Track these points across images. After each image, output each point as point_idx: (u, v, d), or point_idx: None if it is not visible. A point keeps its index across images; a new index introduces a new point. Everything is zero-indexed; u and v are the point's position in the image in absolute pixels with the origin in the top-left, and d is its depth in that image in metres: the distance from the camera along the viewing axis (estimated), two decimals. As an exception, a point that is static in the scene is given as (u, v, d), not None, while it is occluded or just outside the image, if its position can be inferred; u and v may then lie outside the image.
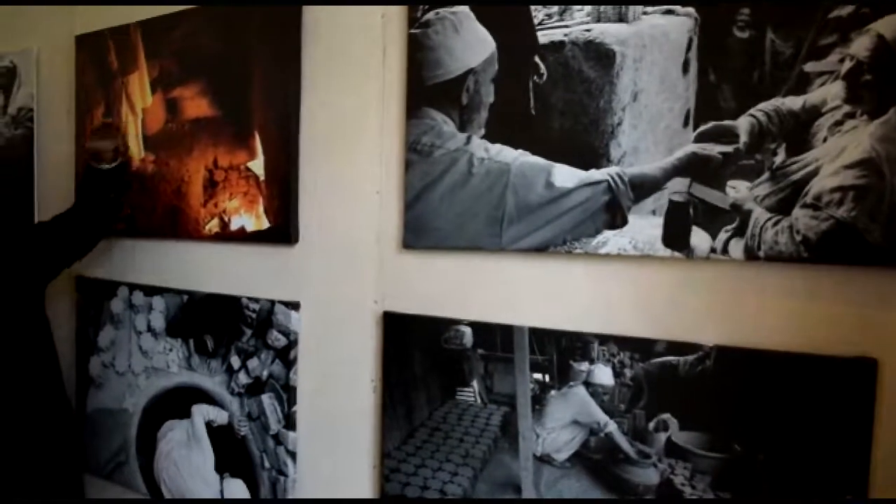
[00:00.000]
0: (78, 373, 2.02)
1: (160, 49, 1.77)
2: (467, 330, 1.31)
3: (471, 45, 1.28)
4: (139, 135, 1.81)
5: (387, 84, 1.40)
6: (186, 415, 1.74)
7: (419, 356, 1.37)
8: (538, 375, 1.24)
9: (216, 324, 1.65)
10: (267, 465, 1.59)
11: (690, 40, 1.09)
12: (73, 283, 2.03)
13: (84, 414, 2.02)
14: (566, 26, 1.19)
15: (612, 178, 1.15)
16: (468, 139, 1.28)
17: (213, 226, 1.64)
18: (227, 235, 1.63)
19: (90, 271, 2.00)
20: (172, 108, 1.74)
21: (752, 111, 1.04)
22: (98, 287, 1.96)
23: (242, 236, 1.60)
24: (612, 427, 1.16)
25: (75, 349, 2.03)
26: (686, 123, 1.09)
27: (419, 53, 1.34)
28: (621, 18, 1.15)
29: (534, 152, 1.22)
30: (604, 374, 1.17)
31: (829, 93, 1.00)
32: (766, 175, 1.04)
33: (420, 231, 1.34)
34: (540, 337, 1.23)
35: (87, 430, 2.02)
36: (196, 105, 1.68)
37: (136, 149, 1.82)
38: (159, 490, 1.84)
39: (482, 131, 1.27)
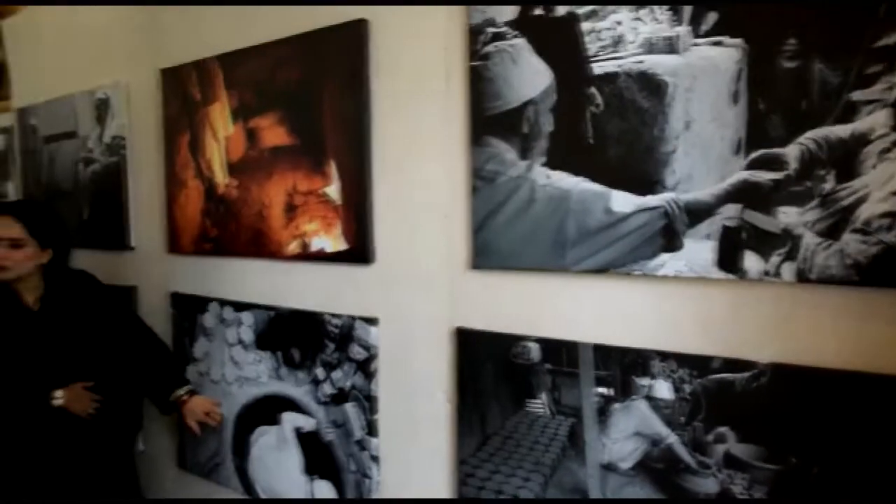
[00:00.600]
0: (176, 381, 2.23)
1: (238, 81, 1.92)
2: (534, 346, 1.41)
3: (529, 76, 1.37)
4: (223, 161, 1.97)
5: (450, 113, 1.50)
6: (276, 421, 1.91)
7: (490, 369, 1.48)
8: (602, 389, 1.33)
9: (301, 338, 1.81)
10: (352, 468, 1.74)
11: (740, 71, 1.15)
12: (169, 299, 2.23)
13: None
14: (619, 58, 1.27)
15: (668, 203, 1.22)
16: (529, 167, 1.37)
17: (294, 247, 1.79)
18: (308, 256, 1.77)
19: (183, 288, 2.19)
20: (252, 136, 1.89)
21: (801, 139, 1.10)
22: (191, 302, 2.15)
23: (322, 256, 1.74)
24: (672, 439, 1.25)
25: (173, 359, 2.24)
26: (737, 151, 1.16)
27: (480, 84, 1.44)
28: (672, 49, 1.22)
29: (592, 179, 1.30)
30: (664, 389, 1.25)
31: (877, 121, 1.05)
32: (815, 201, 1.09)
33: (487, 252, 1.44)
34: (603, 353, 1.32)
35: (188, 434, 2.22)
36: (274, 134, 1.83)
37: (220, 175, 1.98)
38: (253, 489, 2.02)
39: (543, 159, 1.36)
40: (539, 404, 1.42)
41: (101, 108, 2.47)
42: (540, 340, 1.40)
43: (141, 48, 2.30)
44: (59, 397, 1.97)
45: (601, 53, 1.29)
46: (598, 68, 1.29)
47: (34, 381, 1.96)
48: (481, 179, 1.44)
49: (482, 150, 1.44)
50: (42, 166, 2.84)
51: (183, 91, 2.09)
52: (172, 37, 2.16)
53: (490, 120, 1.43)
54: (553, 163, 1.35)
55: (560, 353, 1.38)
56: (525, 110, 1.38)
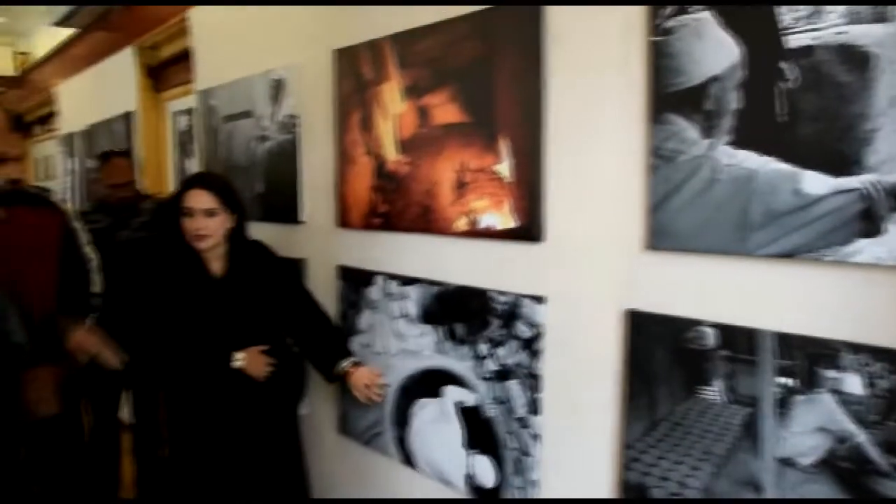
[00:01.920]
0: (341, 350, 2.39)
1: (410, 60, 2.02)
2: (710, 331, 1.40)
3: (714, 51, 1.36)
4: (393, 139, 2.09)
5: (629, 90, 1.51)
6: (438, 395, 2.01)
7: (661, 353, 1.49)
8: (783, 379, 1.31)
9: (466, 313, 1.90)
10: (512, 445, 1.81)
11: (959, 41, 1.10)
12: (337, 272, 2.39)
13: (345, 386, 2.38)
14: (816, 29, 1.23)
15: (869, 186, 1.18)
16: (712, 145, 1.37)
17: (462, 224, 1.88)
18: (476, 233, 1.85)
19: (350, 261, 2.34)
20: (423, 114, 1.98)
21: None
22: (358, 275, 2.30)
23: (491, 234, 1.81)
24: (862, 437, 1.21)
25: (339, 329, 2.40)
26: (953, 130, 1.10)
27: (661, 61, 1.44)
28: (880, 18, 1.17)
29: (782, 159, 1.28)
30: (854, 384, 1.22)
31: None
32: None
33: (664, 233, 1.45)
34: (785, 341, 1.30)
35: (348, 400, 2.38)
36: (445, 111, 1.91)
37: (390, 152, 2.10)
38: (412, 460, 2.14)
39: (727, 138, 1.35)
40: (712, 391, 1.42)
41: (276, 89, 2.67)
42: (716, 326, 1.40)
43: (315, 31, 2.46)
44: (238, 359, 2.18)
45: (797, 25, 1.26)
46: (792, 41, 1.26)
47: (217, 343, 2.17)
48: (660, 158, 1.45)
49: (662, 127, 1.44)
50: (220, 144, 3.11)
51: (355, 70, 2.23)
52: (346, 19, 2.30)
53: (671, 97, 1.43)
54: (738, 142, 1.34)
55: (737, 339, 1.37)
56: (709, 87, 1.37)
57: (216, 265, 2.21)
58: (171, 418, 2.33)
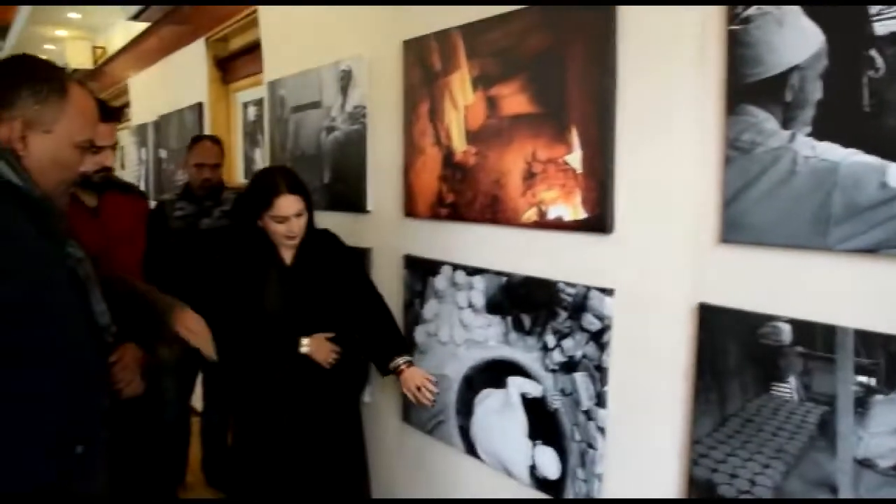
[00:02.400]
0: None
1: (480, 50, 2.03)
2: (785, 326, 1.38)
3: (795, 40, 1.33)
4: (461, 129, 2.10)
5: (705, 81, 1.49)
6: (502, 385, 2.03)
7: (733, 348, 1.47)
8: (863, 378, 1.28)
9: (533, 304, 1.90)
10: (577, 437, 1.81)
11: None
12: (402, 261, 2.42)
13: (409, 376, 2.42)
14: (907, 17, 1.20)
15: (959, 179, 1.15)
16: (792, 137, 1.34)
17: (530, 214, 1.88)
18: (544, 224, 1.85)
19: (416, 251, 2.37)
20: (492, 104, 1.99)
21: None
22: (423, 265, 2.32)
23: (559, 225, 1.81)
24: (949, 438, 1.18)
25: (404, 318, 2.43)
26: None
27: (738, 50, 1.42)
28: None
29: (867, 151, 1.24)
30: (940, 383, 1.18)
31: None
32: None
33: (738, 226, 1.43)
34: (866, 339, 1.27)
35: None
36: (515, 102, 1.92)
37: (458, 142, 2.12)
38: (475, 449, 2.16)
39: (808, 129, 1.32)
40: (786, 388, 1.40)
41: (345, 80, 2.72)
42: (792, 321, 1.37)
43: (383, 22, 2.50)
44: (305, 345, 2.24)
45: (885, 11, 1.22)
46: (880, 28, 1.23)
47: (286, 329, 2.23)
48: (736, 150, 1.43)
49: (738, 118, 1.42)
50: (288, 134, 3.18)
51: (424, 61, 2.25)
52: (415, 10, 2.32)
53: (749, 87, 1.40)
54: (820, 133, 1.31)
55: (814, 335, 1.34)
56: (789, 77, 1.34)
57: (287, 254, 2.28)
58: (238, 403, 2.40)
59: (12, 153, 1.31)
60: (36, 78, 1.34)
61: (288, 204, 2.18)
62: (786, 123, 1.35)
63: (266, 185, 2.23)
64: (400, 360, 2.29)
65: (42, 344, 1.30)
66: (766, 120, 1.38)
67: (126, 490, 2.10)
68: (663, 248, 1.60)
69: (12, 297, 1.24)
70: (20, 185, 1.29)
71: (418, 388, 2.25)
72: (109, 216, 2.35)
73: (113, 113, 2.33)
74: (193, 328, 1.81)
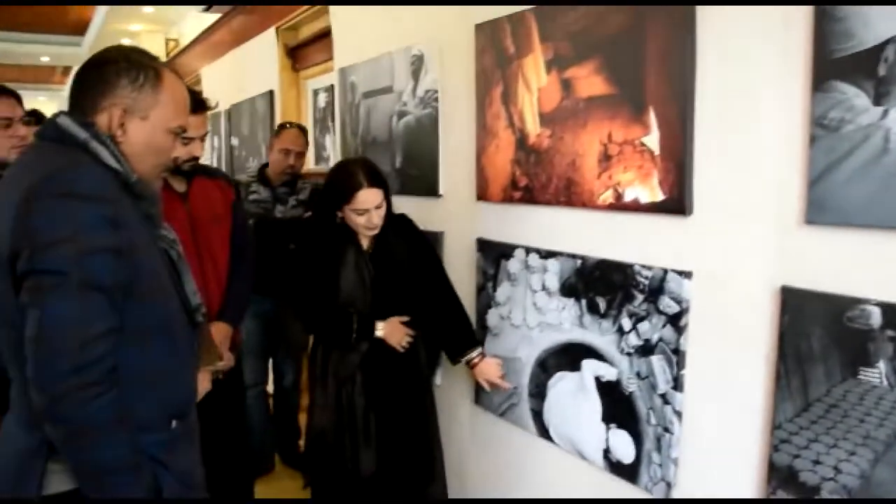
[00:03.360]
0: (478, 323, 2.45)
1: (554, 32, 2.02)
2: (875, 309, 1.35)
3: (889, 11, 1.29)
4: (535, 112, 2.11)
5: (789, 57, 1.46)
6: (576, 368, 2.03)
7: (818, 332, 1.44)
8: (959, 362, 1.24)
9: (608, 287, 1.90)
10: (653, 421, 1.81)
11: None
12: (475, 245, 2.44)
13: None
14: None
15: None
16: (885, 113, 1.30)
17: (606, 196, 1.88)
18: (621, 206, 1.84)
19: (489, 234, 2.39)
20: (567, 86, 1.99)
21: None
22: (496, 248, 2.34)
23: (636, 207, 1.80)
24: None
25: (476, 302, 2.46)
26: None
27: (826, 24, 1.38)
28: None
29: (966, 127, 1.20)
30: None
31: None
32: None
33: (825, 207, 1.40)
34: (963, 322, 1.23)
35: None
36: (590, 83, 1.91)
37: (532, 125, 2.12)
38: (548, 432, 2.17)
39: (902, 105, 1.28)
40: (875, 374, 1.37)
41: (416, 64, 2.74)
42: (882, 304, 1.34)
43: (455, 6, 2.50)
44: (380, 329, 2.29)
45: None
46: (984, -1, 1.18)
47: (363, 313, 2.29)
48: (822, 128, 1.40)
49: (826, 95, 1.39)
50: (359, 120, 3.22)
51: (496, 44, 2.25)
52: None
53: (837, 63, 1.37)
54: (916, 109, 1.27)
55: (906, 319, 1.31)
56: (883, 50, 1.30)
57: (366, 240, 2.34)
58: (313, 384, 2.46)
59: (111, 139, 1.38)
60: (133, 66, 1.40)
61: (369, 197, 2.24)
62: (878, 100, 1.31)
63: (346, 179, 2.28)
64: (473, 354, 2.36)
65: (143, 322, 1.37)
66: (855, 96, 1.35)
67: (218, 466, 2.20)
68: (744, 229, 1.58)
69: (125, 275, 1.31)
70: (120, 170, 1.36)
71: (489, 382, 2.35)
72: (198, 200, 2.44)
73: (203, 104, 2.40)
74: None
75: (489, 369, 2.34)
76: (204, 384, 2.06)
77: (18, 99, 2.42)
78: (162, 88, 1.43)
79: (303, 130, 3.53)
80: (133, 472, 1.34)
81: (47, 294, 1.22)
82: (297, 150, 3.41)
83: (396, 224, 2.40)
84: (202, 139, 2.43)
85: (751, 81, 1.55)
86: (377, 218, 2.27)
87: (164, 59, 7.26)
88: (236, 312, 2.48)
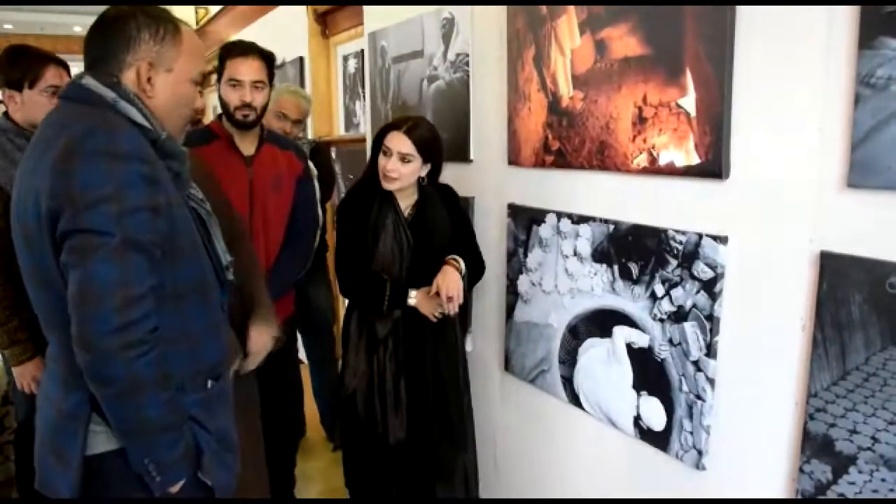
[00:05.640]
0: (508, 289, 2.44)
1: (588, -8, 1.98)
2: (919, 275, 1.31)
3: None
4: (568, 74, 2.07)
5: (833, 13, 1.41)
6: (608, 334, 2.02)
7: (858, 298, 1.41)
8: None
9: (641, 253, 1.87)
10: (685, 388, 1.79)
11: None
12: (506, 210, 2.42)
13: (511, 324, 2.43)
14: None
15: None
16: (935, 71, 1.25)
17: (640, 160, 1.84)
18: (655, 170, 1.81)
19: (520, 199, 2.37)
20: (601, 48, 1.95)
21: None
22: (528, 213, 2.32)
23: (671, 171, 1.77)
24: None
25: (506, 267, 2.44)
26: None
27: (877, -23, 1.33)
28: None
29: None
30: None
31: None
32: None
33: (869, 170, 1.36)
34: None
35: (513, 338, 2.44)
36: (625, 44, 1.87)
37: (564, 88, 2.08)
38: (578, 399, 2.16)
39: (954, 62, 1.23)
40: (917, 341, 1.33)
41: (447, 28, 2.70)
42: (927, 270, 1.30)
43: (488, -35, 2.46)
44: (413, 297, 2.28)
45: None
46: None
47: (397, 281, 2.29)
48: (868, 87, 1.35)
49: (873, 53, 1.34)
50: (389, 85, 3.20)
51: (530, 6, 2.21)
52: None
53: (887, 17, 1.32)
54: (969, 66, 1.22)
55: (952, 285, 1.27)
56: (938, 5, 1.25)
57: (404, 205, 2.33)
58: (345, 353, 2.47)
59: (138, 97, 1.38)
60: (152, 20, 1.41)
61: (395, 139, 2.23)
62: (929, 57, 1.26)
63: (388, 122, 2.34)
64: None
65: (178, 280, 1.39)
66: (905, 53, 1.30)
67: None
68: (783, 193, 1.54)
69: (163, 234, 1.32)
70: (150, 128, 1.36)
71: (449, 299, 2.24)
72: (262, 167, 2.45)
73: (252, 48, 2.43)
74: (256, 351, 1.90)
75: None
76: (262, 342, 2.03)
77: (67, 69, 2.44)
78: (181, 39, 1.44)
79: (305, 98, 3.51)
80: (175, 431, 1.37)
81: (91, 254, 1.23)
82: (295, 118, 3.41)
83: (439, 192, 2.40)
84: (257, 86, 2.41)
85: (792, 38, 1.49)
86: (395, 168, 2.23)
87: (193, 27, 7.29)
88: (276, 287, 2.41)
